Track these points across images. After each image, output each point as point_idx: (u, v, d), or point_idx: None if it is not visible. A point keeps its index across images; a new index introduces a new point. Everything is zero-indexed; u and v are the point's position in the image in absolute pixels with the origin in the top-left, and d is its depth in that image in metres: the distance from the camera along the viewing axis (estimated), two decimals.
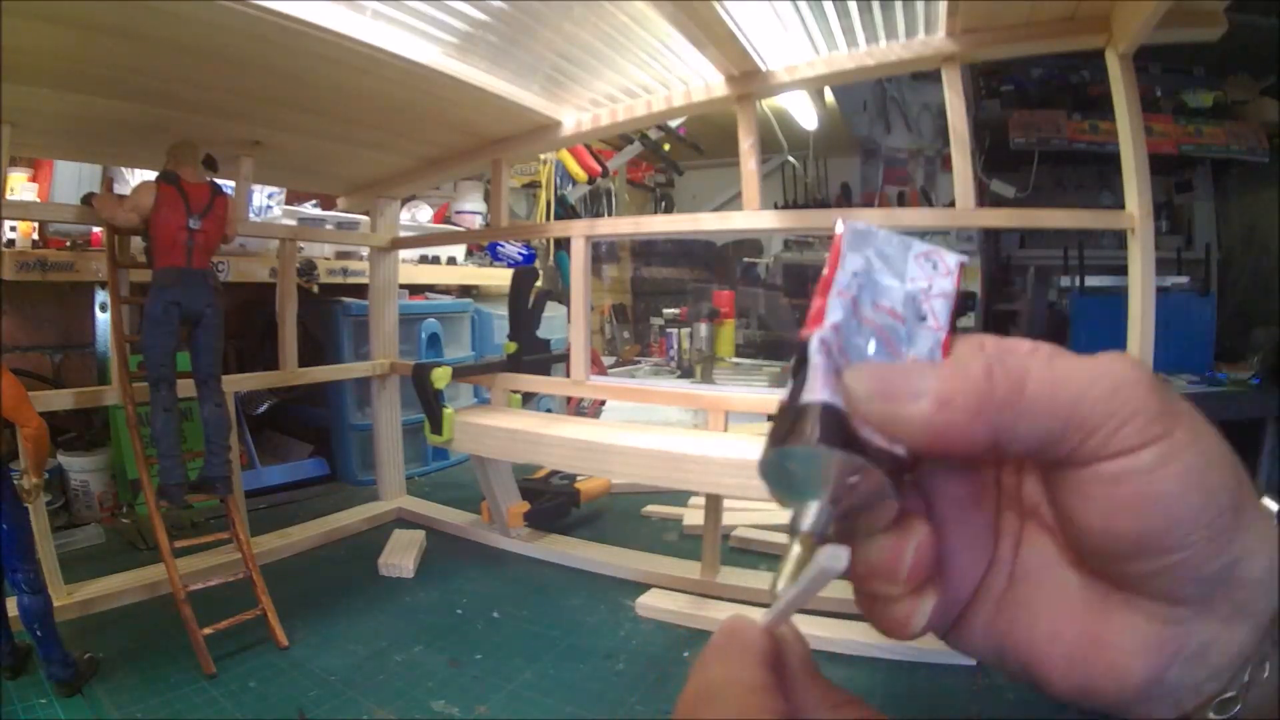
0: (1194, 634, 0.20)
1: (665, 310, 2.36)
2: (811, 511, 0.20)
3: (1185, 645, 0.20)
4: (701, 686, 0.19)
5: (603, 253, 2.65)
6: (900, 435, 0.20)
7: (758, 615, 0.21)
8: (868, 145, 2.78)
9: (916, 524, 0.21)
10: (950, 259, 0.22)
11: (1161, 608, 0.20)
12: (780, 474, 0.20)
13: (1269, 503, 0.22)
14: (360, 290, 1.36)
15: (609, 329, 2.69)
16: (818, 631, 0.75)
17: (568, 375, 1.00)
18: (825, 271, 0.21)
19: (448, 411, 0.99)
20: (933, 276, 0.22)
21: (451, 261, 1.78)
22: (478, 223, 1.94)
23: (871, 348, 0.21)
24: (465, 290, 1.86)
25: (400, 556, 0.97)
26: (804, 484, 0.20)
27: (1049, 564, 0.23)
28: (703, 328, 2.10)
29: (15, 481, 0.65)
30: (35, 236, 1.07)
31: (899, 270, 0.22)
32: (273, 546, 1.00)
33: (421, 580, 0.94)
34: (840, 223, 0.21)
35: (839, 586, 0.21)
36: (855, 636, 0.73)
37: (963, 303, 1.99)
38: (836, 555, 0.19)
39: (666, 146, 2.34)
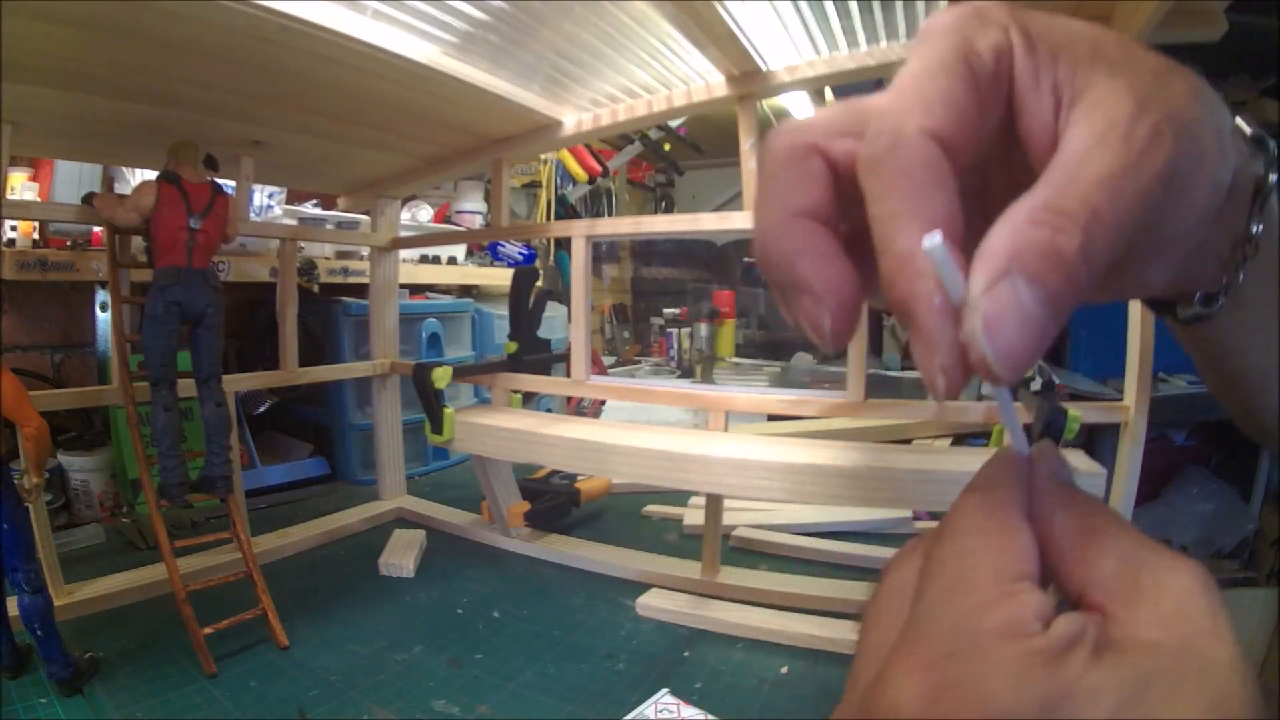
0: None
1: (665, 310, 2.36)
2: None
3: None
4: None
5: (603, 253, 2.65)
6: None
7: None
8: None
9: None
10: None
11: None
12: None
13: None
14: (360, 290, 1.36)
15: (609, 329, 2.69)
16: (818, 631, 0.75)
17: (568, 375, 1.00)
18: None
19: (448, 411, 0.99)
20: None
21: (452, 261, 1.78)
22: (478, 222, 1.94)
23: None
24: (465, 290, 1.86)
25: (400, 556, 0.97)
26: None
27: None
28: (703, 328, 2.11)
29: (15, 481, 0.65)
30: (35, 236, 1.07)
31: None
32: (273, 546, 1.00)
33: (422, 580, 0.94)
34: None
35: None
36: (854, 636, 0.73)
37: None
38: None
39: (667, 146, 2.34)
